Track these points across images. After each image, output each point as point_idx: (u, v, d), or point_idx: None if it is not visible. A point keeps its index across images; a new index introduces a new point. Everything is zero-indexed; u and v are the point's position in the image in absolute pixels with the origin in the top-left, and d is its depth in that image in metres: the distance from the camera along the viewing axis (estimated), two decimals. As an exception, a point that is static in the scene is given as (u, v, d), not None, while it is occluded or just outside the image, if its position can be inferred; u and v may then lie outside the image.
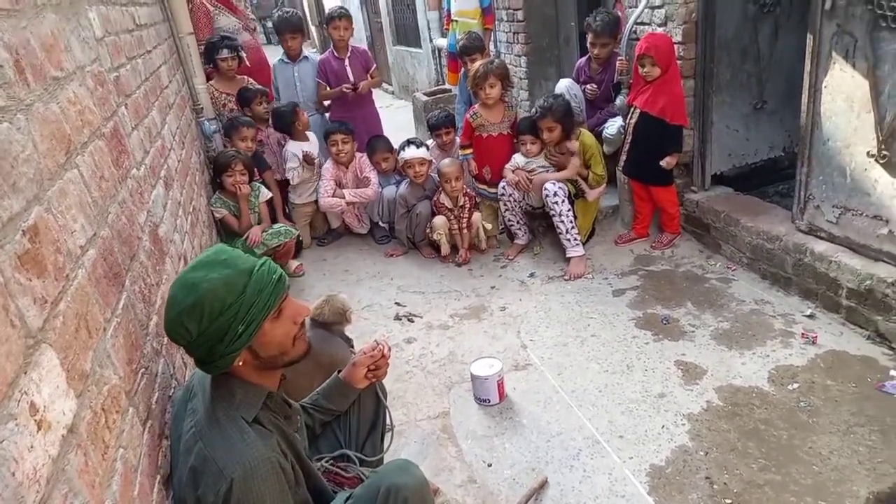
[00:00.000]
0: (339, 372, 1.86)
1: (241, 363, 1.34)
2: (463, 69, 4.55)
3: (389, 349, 1.88)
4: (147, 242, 1.81)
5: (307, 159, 4.18)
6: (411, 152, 3.95)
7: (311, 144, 4.33)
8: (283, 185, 4.35)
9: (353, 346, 2.48)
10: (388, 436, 1.94)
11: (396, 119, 7.61)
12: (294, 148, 4.21)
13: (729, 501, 1.96)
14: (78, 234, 1.22)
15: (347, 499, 1.52)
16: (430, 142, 4.40)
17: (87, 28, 1.73)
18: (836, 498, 1.92)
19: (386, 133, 4.91)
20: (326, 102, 4.77)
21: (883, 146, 2.47)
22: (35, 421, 0.86)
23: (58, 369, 0.97)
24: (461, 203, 3.86)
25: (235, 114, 4.30)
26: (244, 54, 4.55)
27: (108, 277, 1.34)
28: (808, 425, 2.23)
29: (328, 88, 4.63)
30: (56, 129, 1.24)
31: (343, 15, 4.54)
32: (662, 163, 3.47)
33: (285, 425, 1.44)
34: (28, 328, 0.90)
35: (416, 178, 3.98)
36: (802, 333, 2.71)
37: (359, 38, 8.43)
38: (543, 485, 2.09)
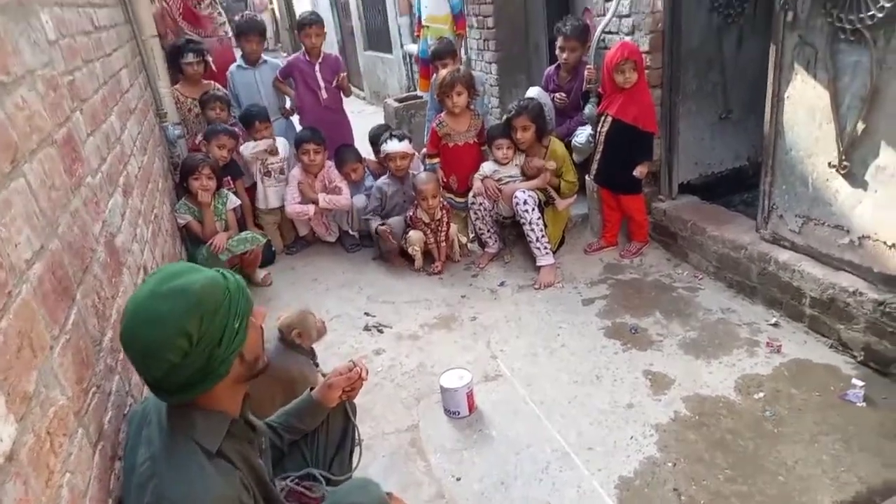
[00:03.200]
0: (311, 390, 1.81)
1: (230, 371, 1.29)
2: (434, 75, 4.53)
3: (367, 371, 1.85)
4: (102, 254, 1.74)
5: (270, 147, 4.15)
6: (393, 146, 3.91)
7: (281, 146, 4.26)
8: (254, 194, 4.27)
9: (316, 359, 2.43)
10: (356, 453, 1.90)
11: (368, 124, 7.52)
12: (248, 145, 4.13)
13: (697, 512, 1.97)
14: (23, 246, 1.16)
15: None
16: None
17: (39, 30, 1.66)
18: (802, 507, 1.94)
19: (357, 138, 4.87)
20: (287, 104, 4.70)
21: (843, 157, 2.51)
22: (-33, 451, 0.80)
23: (-5, 393, 0.91)
24: (438, 217, 3.83)
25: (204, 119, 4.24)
26: (210, 58, 4.47)
27: (57, 292, 1.28)
28: (773, 435, 2.25)
29: (290, 88, 4.61)
30: (1, 135, 1.18)
31: (315, 21, 4.47)
32: (636, 172, 3.50)
33: (249, 451, 1.38)
34: (-39, 350, 0.85)
35: (397, 172, 3.97)
36: (767, 342, 2.74)
37: (329, 42, 8.36)
38: None
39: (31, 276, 1.16)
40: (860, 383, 2.39)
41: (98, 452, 1.30)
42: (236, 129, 4.16)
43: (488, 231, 3.89)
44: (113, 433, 1.44)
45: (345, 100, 4.84)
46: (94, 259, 1.65)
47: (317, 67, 4.50)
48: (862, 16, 2.30)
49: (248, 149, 4.09)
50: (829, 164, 2.58)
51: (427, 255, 3.94)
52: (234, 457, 1.30)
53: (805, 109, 2.66)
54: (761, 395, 2.45)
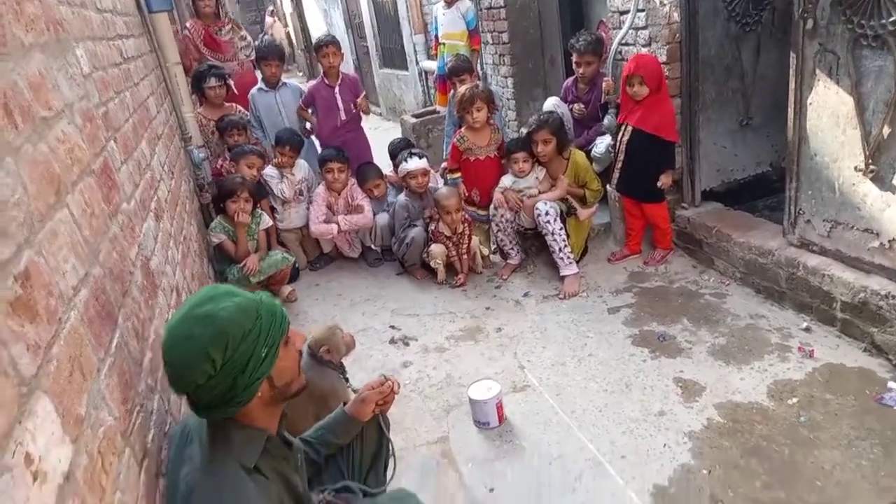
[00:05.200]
0: (345, 405, 1.84)
1: (259, 395, 1.31)
2: (452, 91, 4.58)
3: (399, 385, 1.88)
4: (139, 277, 1.79)
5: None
6: (413, 163, 3.96)
7: (299, 168, 4.34)
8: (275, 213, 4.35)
9: (346, 374, 2.45)
10: (390, 465, 1.92)
11: (385, 140, 7.60)
12: (271, 170, 4.24)
13: (734, 521, 1.95)
14: (70, 274, 1.20)
15: None
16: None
17: (75, 65, 1.72)
18: (842, 514, 1.92)
19: (374, 155, 4.93)
20: (308, 126, 4.77)
21: (870, 160, 2.49)
22: (31, 472, 0.83)
23: (53, 416, 0.95)
24: (460, 230, 3.86)
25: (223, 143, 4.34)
26: (232, 81, 4.57)
27: (101, 317, 1.32)
28: (809, 440, 2.22)
29: (309, 112, 4.68)
30: (45, 169, 1.23)
31: (331, 41, 4.53)
32: (659, 182, 3.50)
33: (285, 468, 1.42)
34: (21, 376, 0.88)
35: (417, 189, 4.00)
36: (799, 347, 2.71)
37: (345, 62, 8.48)
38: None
39: (78, 303, 1.21)
40: (896, 387, 2.36)
41: (144, 471, 1.34)
42: (262, 149, 4.26)
43: (510, 242, 3.90)
44: (156, 451, 1.47)
45: (363, 117, 4.91)
46: (133, 282, 1.70)
47: (336, 91, 4.54)
48: (883, 21, 2.29)
49: (284, 191, 4.22)
50: (856, 168, 2.56)
51: (449, 267, 3.96)
52: (270, 473, 1.34)
53: (829, 115, 2.64)
54: (795, 400, 2.42)
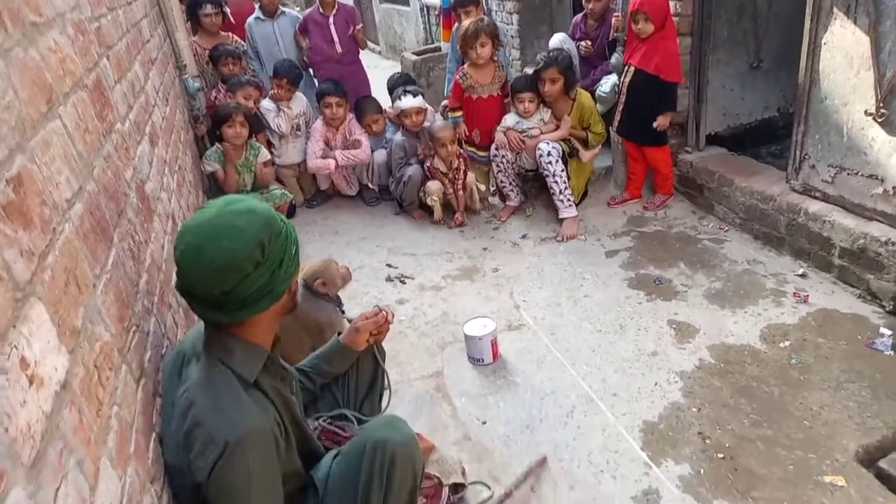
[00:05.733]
0: (339, 335, 1.85)
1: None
2: (456, 24, 4.43)
3: (393, 315, 1.89)
4: (134, 199, 1.76)
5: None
6: (408, 102, 3.87)
7: (297, 101, 4.23)
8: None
9: (342, 306, 2.46)
10: (385, 396, 1.94)
11: (383, 78, 7.43)
12: (268, 104, 4.14)
13: (721, 456, 1.99)
14: (63, 186, 1.18)
15: (336, 456, 1.52)
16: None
17: (65, -28, 1.65)
18: (826, 451, 1.96)
19: (373, 92, 4.81)
20: (305, 58, 4.64)
21: (881, 104, 2.44)
22: (27, 376, 0.83)
23: (48, 324, 0.94)
24: (455, 165, 3.80)
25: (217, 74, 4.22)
26: (227, 9, 4.42)
27: (96, 233, 1.30)
28: (799, 382, 2.25)
29: (306, 42, 4.53)
30: (37, 76, 1.18)
31: None
32: (656, 124, 3.43)
33: (282, 387, 1.43)
34: (16, 281, 0.87)
35: (413, 128, 3.93)
36: (794, 293, 2.73)
37: (345, -4, 8.20)
38: (543, 464, 2.05)
39: (73, 216, 1.18)
40: (888, 332, 2.39)
41: (141, 388, 1.34)
42: (258, 81, 4.16)
43: (510, 184, 3.86)
44: (153, 371, 1.48)
45: (360, 52, 4.77)
46: (128, 203, 1.67)
47: (331, 20, 4.42)
48: (908, -47, 2.20)
49: (281, 126, 4.11)
50: (866, 112, 2.51)
51: (447, 207, 3.93)
52: (269, 390, 1.36)
53: (843, 56, 2.58)
54: (787, 343, 2.45)
